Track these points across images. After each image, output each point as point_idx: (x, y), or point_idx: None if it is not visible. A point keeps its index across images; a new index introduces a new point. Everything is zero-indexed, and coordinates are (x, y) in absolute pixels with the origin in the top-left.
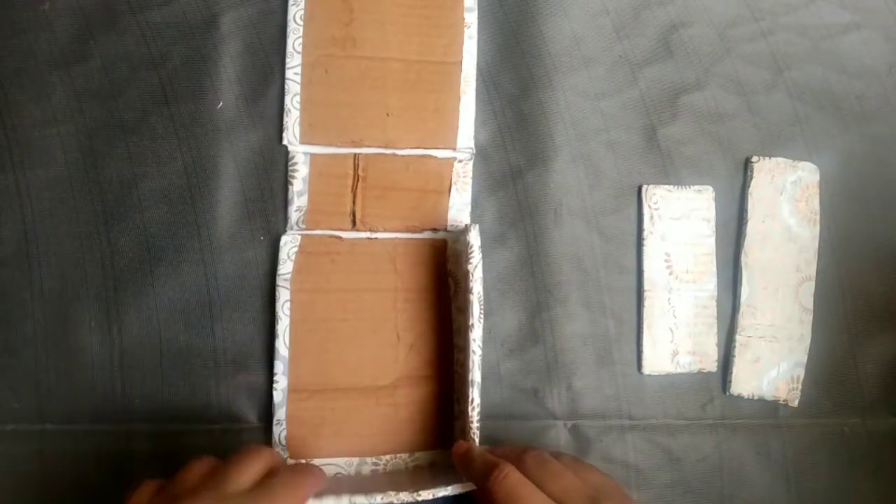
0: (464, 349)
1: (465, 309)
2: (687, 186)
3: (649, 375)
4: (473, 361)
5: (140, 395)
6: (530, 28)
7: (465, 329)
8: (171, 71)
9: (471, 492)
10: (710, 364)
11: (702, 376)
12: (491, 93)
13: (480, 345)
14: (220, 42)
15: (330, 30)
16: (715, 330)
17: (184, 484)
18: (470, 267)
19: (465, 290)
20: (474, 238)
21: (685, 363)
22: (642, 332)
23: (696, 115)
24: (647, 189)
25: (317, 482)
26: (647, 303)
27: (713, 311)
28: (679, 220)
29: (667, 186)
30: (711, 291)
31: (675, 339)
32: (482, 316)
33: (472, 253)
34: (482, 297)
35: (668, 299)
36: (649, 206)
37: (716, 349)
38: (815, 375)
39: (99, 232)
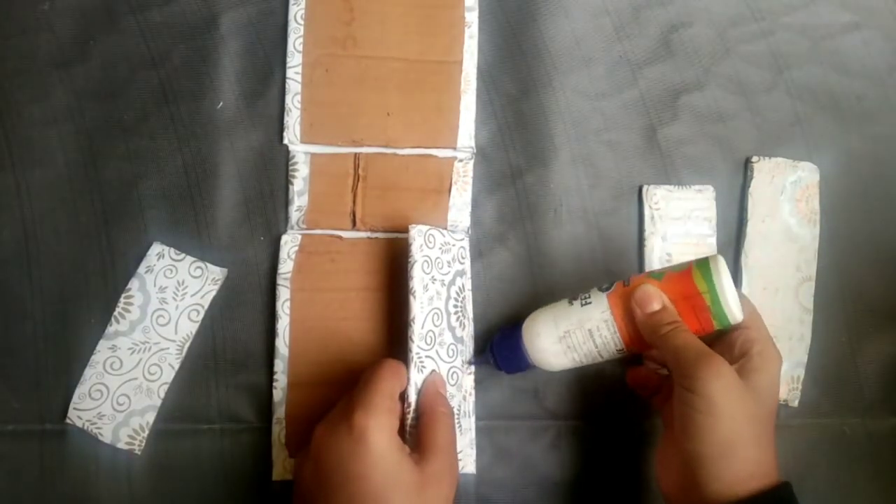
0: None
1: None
2: (687, 186)
3: None
4: (410, 359)
5: None
6: (530, 28)
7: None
8: (171, 71)
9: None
10: None
11: None
12: (491, 93)
13: (419, 344)
14: (220, 42)
15: (331, 29)
16: None
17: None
18: (408, 266)
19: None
20: (416, 235)
21: None
22: None
23: (696, 115)
24: (647, 189)
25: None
26: None
27: None
28: (680, 220)
29: (667, 187)
30: None
31: None
32: (415, 317)
33: (410, 252)
34: (418, 296)
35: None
36: (650, 207)
37: None
38: (815, 375)
39: (99, 232)
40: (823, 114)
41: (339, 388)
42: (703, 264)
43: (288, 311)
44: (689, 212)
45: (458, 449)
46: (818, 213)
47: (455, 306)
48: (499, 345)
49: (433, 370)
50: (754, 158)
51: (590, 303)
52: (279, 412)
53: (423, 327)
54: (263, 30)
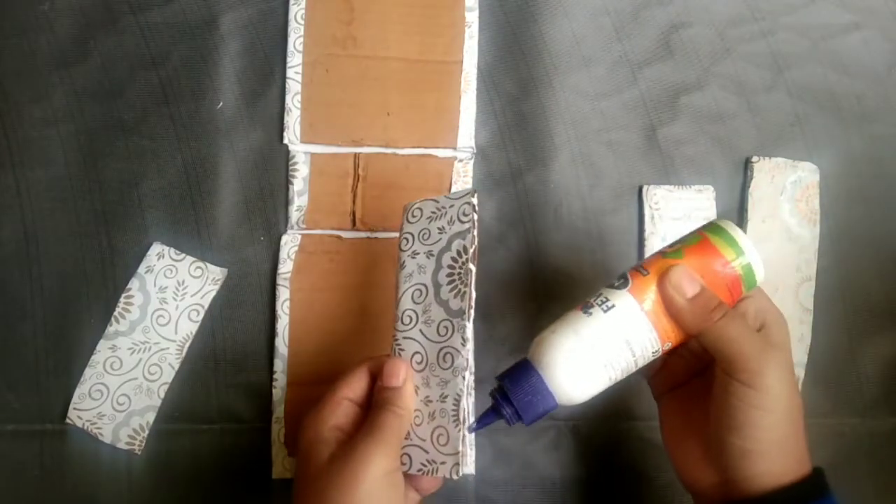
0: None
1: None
2: (688, 186)
3: None
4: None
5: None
6: (530, 28)
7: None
8: (171, 71)
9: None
10: None
11: None
12: (491, 93)
13: (397, 325)
14: (220, 42)
15: (331, 29)
16: None
17: None
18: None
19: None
20: (404, 213)
21: None
22: None
23: (696, 115)
24: (647, 189)
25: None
26: None
27: None
28: (680, 220)
29: (667, 187)
30: None
31: None
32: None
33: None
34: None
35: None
36: (650, 207)
37: None
38: (815, 375)
39: (99, 232)
40: (823, 114)
41: None
42: (719, 231)
43: (288, 311)
44: (689, 212)
45: (459, 449)
46: (818, 213)
47: (449, 275)
48: (514, 391)
49: (416, 352)
50: (754, 158)
51: (613, 306)
52: (279, 411)
53: (399, 307)
54: (263, 30)
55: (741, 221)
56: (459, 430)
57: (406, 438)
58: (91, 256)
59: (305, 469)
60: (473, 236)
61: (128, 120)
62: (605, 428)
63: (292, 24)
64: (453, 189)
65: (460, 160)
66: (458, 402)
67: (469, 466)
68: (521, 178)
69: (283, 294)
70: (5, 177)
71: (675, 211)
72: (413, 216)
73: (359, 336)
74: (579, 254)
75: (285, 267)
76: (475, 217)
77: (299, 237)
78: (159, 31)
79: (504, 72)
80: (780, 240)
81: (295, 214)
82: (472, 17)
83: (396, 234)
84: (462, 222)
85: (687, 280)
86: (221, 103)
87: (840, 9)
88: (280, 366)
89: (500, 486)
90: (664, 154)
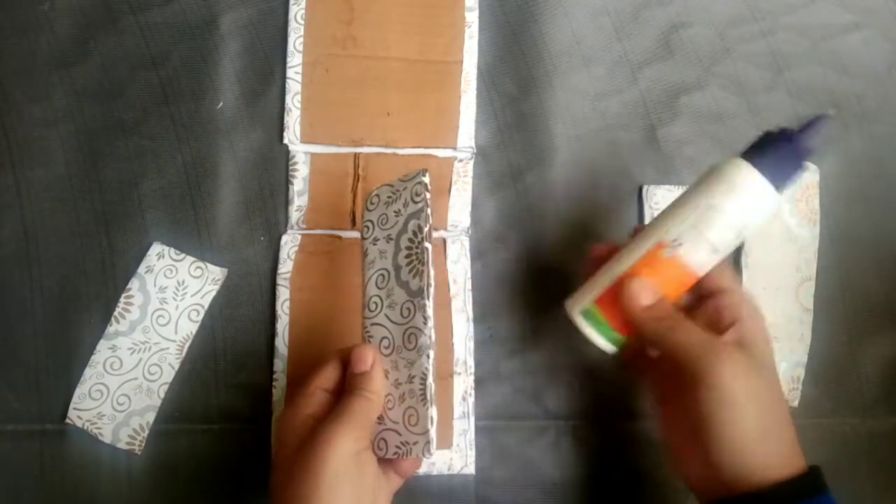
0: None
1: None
2: (687, 186)
3: None
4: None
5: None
6: (530, 28)
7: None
8: (171, 71)
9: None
10: None
11: None
12: (491, 93)
13: (364, 313)
14: (220, 42)
15: (331, 29)
16: None
17: None
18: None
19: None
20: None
21: None
22: None
23: (696, 115)
24: (647, 189)
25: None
26: None
27: None
28: None
29: (667, 187)
30: None
31: None
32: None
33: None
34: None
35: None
36: (650, 207)
37: None
38: (815, 375)
39: (99, 232)
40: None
41: None
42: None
43: (288, 311)
44: None
45: (428, 428)
46: (818, 213)
47: (408, 256)
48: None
49: (383, 337)
50: None
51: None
52: (279, 411)
53: (365, 295)
54: (263, 30)
55: None
56: (427, 409)
57: (380, 423)
58: (91, 256)
59: (278, 458)
60: (427, 215)
61: (128, 120)
62: (605, 428)
63: (292, 24)
64: (453, 189)
65: (460, 160)
66: (423, 380)
67: (469, 466)
68: (521, 178)
69: (283, 294)
70: (5, 177)
71: None
72: (372, 203)
73: (358, 336)
74: (579, 253)
75: (285, 267)
76: (427, 196)
77: (299, 237)
78: (159, 31)
79: (504, 72)
80: (780, 240)
81: (295, 214)
82: (472, 17)
83: None
84: (415, 203)
85: (642, 291)
86: (221, 103)
87: (840, 9)
88: (280, 366)
89: (500, 486)
90: (664, 154)
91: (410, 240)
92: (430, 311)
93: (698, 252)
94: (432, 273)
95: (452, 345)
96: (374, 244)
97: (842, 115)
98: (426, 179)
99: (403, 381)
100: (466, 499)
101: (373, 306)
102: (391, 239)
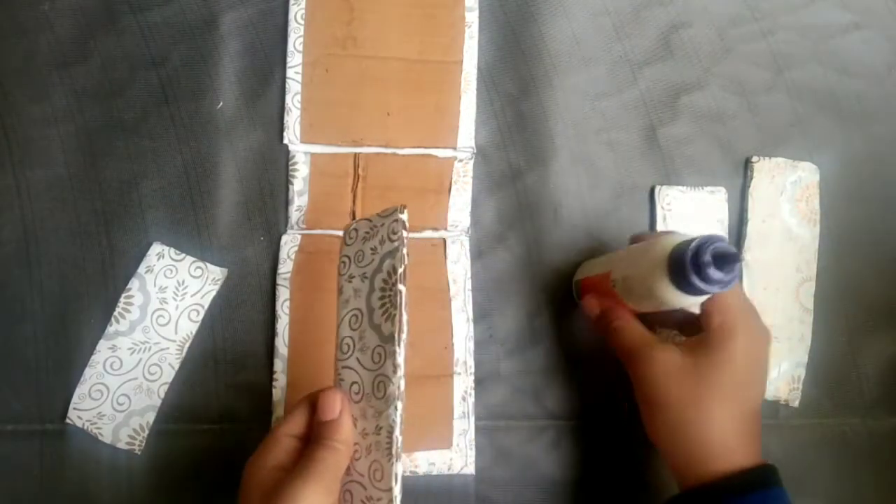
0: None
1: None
2: (700, 188)
3: None
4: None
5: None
6: (530, 28)
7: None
8: (171, 71)
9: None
10: None
11: None
12: (491, 93)
13: (336, 353)
14: (220, 42)
15: (331, 29)
16: None
17: None
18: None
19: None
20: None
21: None
22: None
23: (697, 115)
24: (660, 190)
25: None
26: None
27: None
28: (691, 221)
29: (680, 188)
30: None
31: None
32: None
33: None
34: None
35: None
36: (662, 207)
37: None
38: (815, 375)
39: (99, 232)
40: (823, 114)
41: None
42: None
43: (288, 311)
44: (700, 213)
45: (392, 485)
46: (818, 213)
47: (381, 298)
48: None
49: (353, 382)
50: (754, 158)
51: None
52: (279, 411)
53: (338, 335)
54: (263, 30)
55: (741, 221)
56: (392, 464)
57: (347, 474)
58: (91, 256)
59: None
60: (402, 255)
61: (128, 120)
62: (606, 428)
63: (292, 24)
64: (453, 189)
65: (460, 160)
66: (390, 433)
67: (469, 466)
68: (521, 178)
69: (283, 294)
70: (5, 177)
71: (686, 212)
72: (350, 238)
73: None
74: (579, 254)
75: (285, 267)
76: (404, 234)
77: (299, 237)
78: (159, 31)
79: (504, 72)
80: (780, 240)
81: (295, 214)
82: (472, 17)
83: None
84: (391, 241)
85: (588, 304)
86: (221, 103)
87: (840, 9)
88: (280, 366)
89: (500, 486)
90: (664, 154)
91: (385, 280)
92: (400, 360)
93: (631, 300)
94: (405, 318)
95: (452, 345)
96: (350, 282)
97: (842, 115)
98: (404, 217)
99: (371, 431)
100: (466, 499)
101: (345, 348)
102: (366, 277)
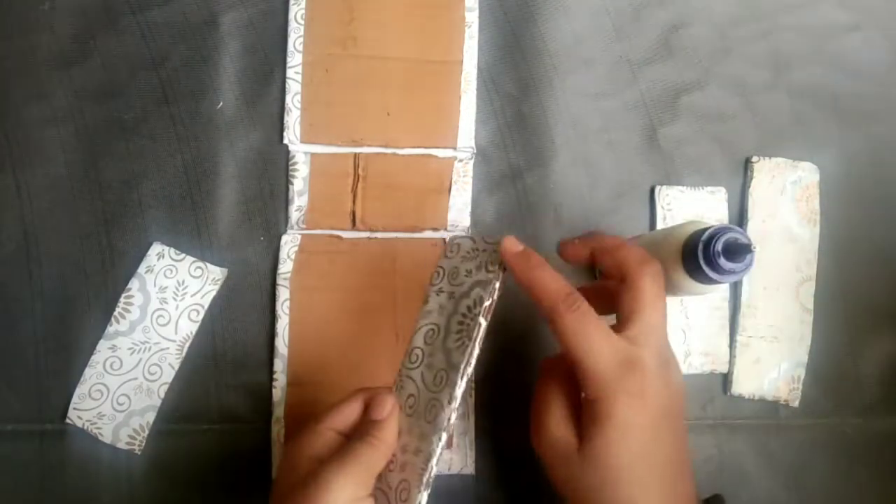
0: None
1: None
2: (700, 188)
3: None
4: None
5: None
6: (530, 28)
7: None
8: (171, 71)
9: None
10: (722, 365)
11: (704, 377)
12: (491, 93)
13: (403, 360)
14: (220, 42)
15: (331, 29)
16: (727, 331)
17: None
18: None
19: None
20: (446, 245)
21: (697, 364)
22: None
23: (697, 115)
24: (660, 190)
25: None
26: None
27: (725, 311)
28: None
29: (680, 188)
30: (724, 292)
31: (687, 341)
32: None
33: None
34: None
35: (681, 300)
36: (662, 207)
37: (727, 350)
38: (815, 375)
39: (99, 232)
40: (823, 114)
41: (338, 388)
42: None
43: (288, 311)
44: (700, 213)
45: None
46: (818, 213)
47: (460, 323)
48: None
49: (410, 395)
50: (754, 158)
51: None
52: (279, 411)
53: (411, 342)
54: (263, 30)
55: (741, 221)
56: (419, 493)
57: (378, 480)
58: (91, 256)
59: (275, 495)
60: (493, 289)
61: (128, 120)
62: None
63: (292, 24)
64: (453, 189)
65: (460, 160)
66: (427, 461)
67: (469, 467)
68: (521, 178)
69: (283, 294)
70: (5, 177)
71: (686, 212)
72: (451, 251)
73: (358, 336)
74: None
75: (285, 267)
76: (500, 271)
77: (299, 237)
78: (159, 31)
79: (504, 72)
80: (780, 240)
81: (295, 214)
82: (472, 17)
83: (397, 234)
84: (488, 271)
85: (508, 241)
86: (221, 103)
87: (840, 9)
88: (280, 366)
89: (500, 486)
90: (664, 154)
91: (469, 308)
92: (458, 392)
93: None
94: (476, 352)
95: None
96: (438, 295)
97: (842, 115)
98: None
99: (411, 450)
100: (466, 499)
101: (413, 358)
102: (453, 297)
